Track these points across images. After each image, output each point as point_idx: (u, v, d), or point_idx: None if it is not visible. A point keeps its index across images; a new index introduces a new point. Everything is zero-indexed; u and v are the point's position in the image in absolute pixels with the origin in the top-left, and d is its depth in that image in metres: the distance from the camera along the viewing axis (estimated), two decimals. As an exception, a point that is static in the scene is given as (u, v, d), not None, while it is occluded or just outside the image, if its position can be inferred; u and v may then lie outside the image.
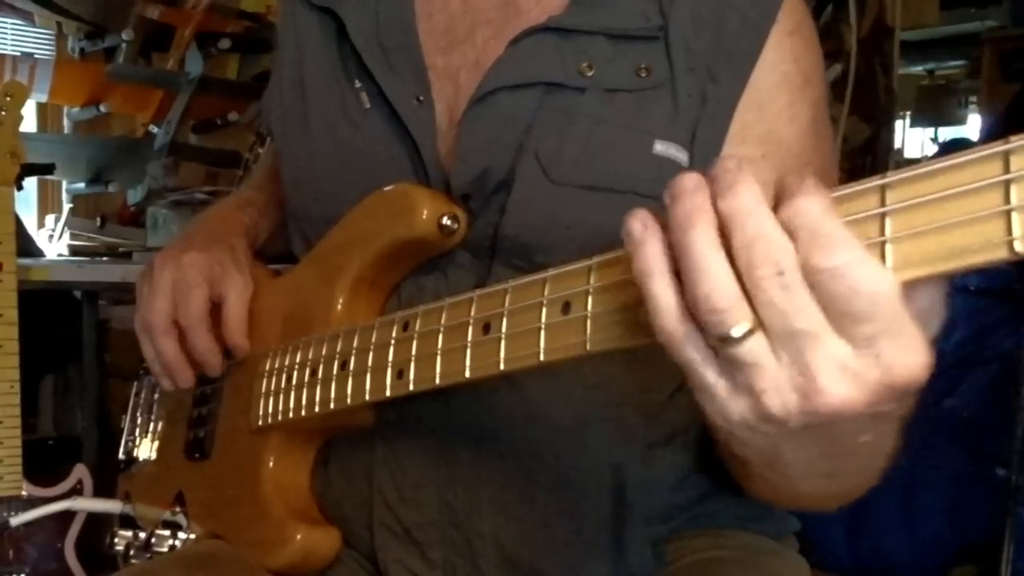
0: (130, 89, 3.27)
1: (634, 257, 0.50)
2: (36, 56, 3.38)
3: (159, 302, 0.94)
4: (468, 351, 0.68)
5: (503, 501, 0.84)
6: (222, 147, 3.09)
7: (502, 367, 0.65)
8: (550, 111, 0.83)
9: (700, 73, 0.83)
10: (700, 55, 0.83)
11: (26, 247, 2.43)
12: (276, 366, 0.90)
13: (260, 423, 0.91)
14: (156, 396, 1.14)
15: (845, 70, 2.86)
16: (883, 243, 0.45)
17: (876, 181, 0.46)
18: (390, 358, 0.76)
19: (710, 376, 0.49)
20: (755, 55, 0.83)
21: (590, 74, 0.84)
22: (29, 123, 3.45)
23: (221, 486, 0.97)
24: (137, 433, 1.15)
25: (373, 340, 0.78)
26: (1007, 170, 0.42)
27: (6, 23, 3.41)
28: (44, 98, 3.33)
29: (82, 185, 3.34)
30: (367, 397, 0.78)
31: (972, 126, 5.33)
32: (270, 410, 0.89)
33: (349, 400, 0.80)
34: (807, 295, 0.45)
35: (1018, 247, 0.42)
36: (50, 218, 3.33)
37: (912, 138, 5.55)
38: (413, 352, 0.74)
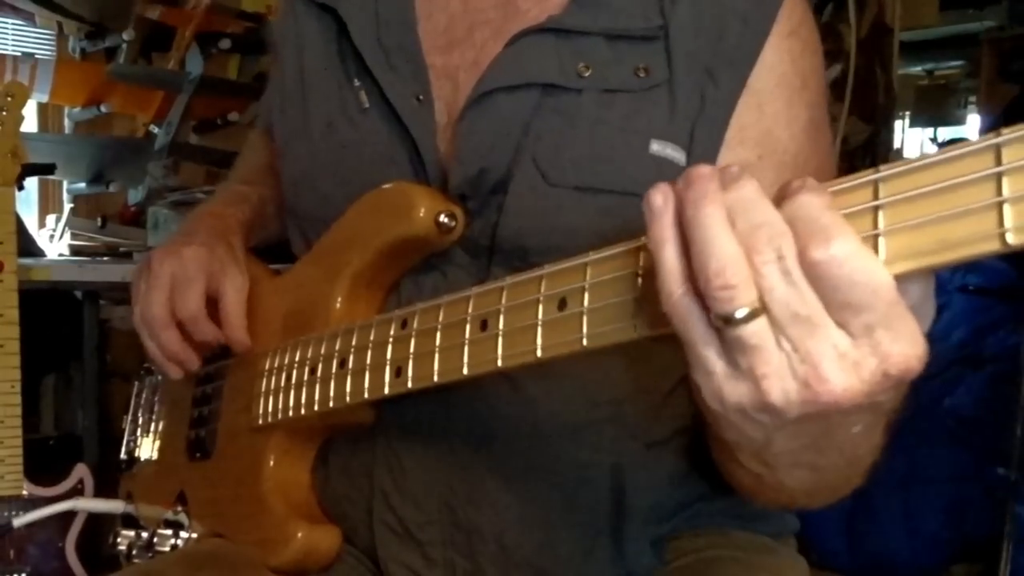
0: (131, 89, 3.27)
1: (651, 226, 0.51)
2: (37, 56, 3.38)
3: (158, 295, 0.94)
4: (466, 348, 0.68)
5: (503, 500, 0.84)
6: (223, 147, 3.09)
7: (500, 364, 0.65)
8: (547, 112, 0.83)
9: (699, 74, 0.83)
10: (700, 56, 0.83)
11: (27, 247, 2.43)
12: (276, 365, 0.90)
13: (260, 422, 0.91)
14: (157, 396, 1.14)
15: (845, 70, 2.86)
16: (876, 236, 0.46)
17: (869, 175, 0.47)
18: (388, 356, 0.76)
19: (711, 355, 0.50)
20: (754, 56, 0.83)
21: (587, 75, 0.83)
22: (30, 123, 3.45)
23: (222, 485, 0.97)
24: (139, 433, 1.15)
25: (371, 338, 0.79)
26: (999, 163, 0.42)
27: (7, 23, 3.41)
28: (45, 98, 3.33)
29: (83, 185, 3.34)
30: (366, 395, 0.78)
31: (971, 126, 5.33)
32: (270, 409, 0.90)
33: (348, 398, 0.80)
34: (806, 283, 0.46)
35: (1010, 239, 0.42)
36: (51, 218, 3.32)
37: (911, 138, 5.55)
38: (411, 350, 0.74)
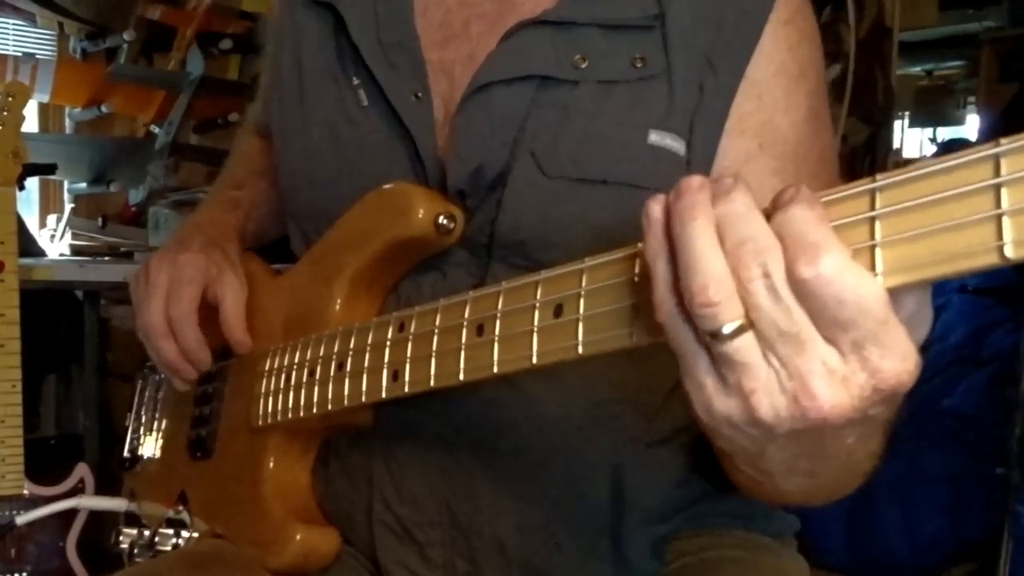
0: (131, 89, 3.28)
1: (646, 238, 0.51)
2: (38, 57, 3.38)
3: (155, 303, 0.94)
4: (462, 353, 0.68)
5: (503, 500, 0.84)
6: (223, 147, 3.09)
7: (496, 370, 0.65)
8: (544, 105, 0.83)
9: (698, 63, 0.82)
10: (697, 45, 0.83)
11: (28, 247, 2.44)
12: (275, 366, 0.90)
13: (260, 423, 0.91)
14: (160, 394, 1.14)
15: (844, 70, 2.86)
16: (873, 247, 0.45)
17: (866, 185, 0.46)
18: (386, 359, 0.76)
19: (701, 369, 0.50)
20: (753, 45, 0.83)
21: (583, 66, 0.83)
22: (31, 123, 3.46)
23: (222, 485, 0.97)
24: (141, 431, 1.15)
25: (369, 341, 0.79)
26: (997, 173, 0.42)
27: (8, 24, 3.42)
28: (46, 98, 3.34)
29: (84, 185, 3.35)
30: (364, 399, 0.78)
31: (970, 126, 5.32)
32: (269, 410, 0.90)
33: (346, 401, 0.80)
34: (794, 300, 0.46)
35: (1008, 252, 0.41)
36: (52, 218, 3.33)
37: (911, 138, 5.54)
38: (408, 354, 0.74)
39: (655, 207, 0.50)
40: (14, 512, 1.76)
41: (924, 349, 0.48)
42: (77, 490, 1.89)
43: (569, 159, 0.81)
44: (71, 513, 1.83)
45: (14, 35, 3.44)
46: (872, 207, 0.46)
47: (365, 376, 0.78)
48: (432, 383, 0.71)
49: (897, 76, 3.11)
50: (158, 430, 1.13)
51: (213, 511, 0.98)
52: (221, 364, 1.00)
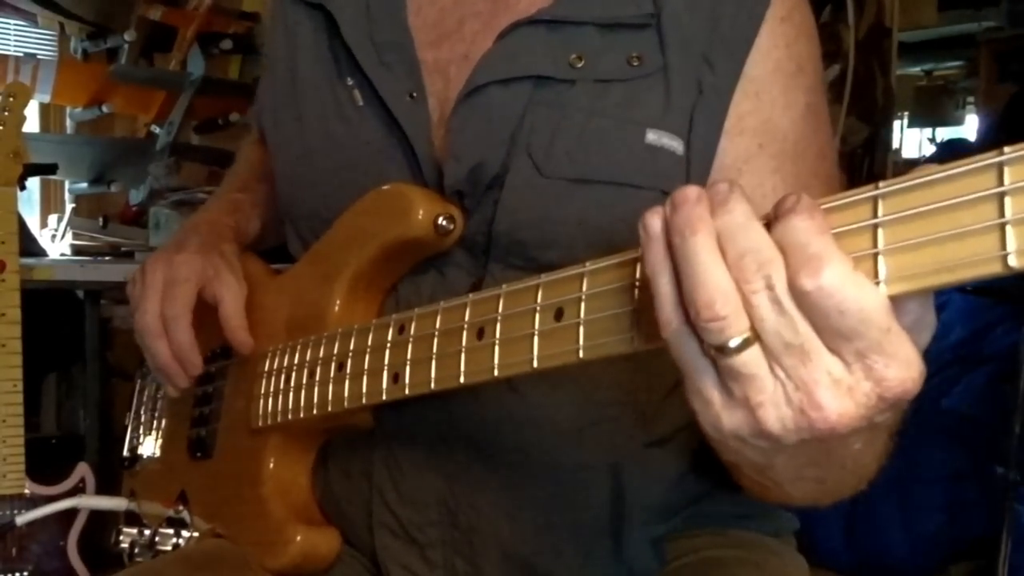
0: (132, 90, 3.28)
1: (646, 253, 0.50)
2: (39, 57, 3.39)
3: (151, 304, 0.93)
4: (462, 356, 0.68)
5: (503, 501, 0.84)
6: (224, 147, 3.09)
7: (496, 373, 0.65)
8: (541, 105, 0.83)
9: (695, 61, 0.82)
10: (694, 43, 0.82)
11: (29, 247, 2.44)
12: (275, 367, 0.90)
13: (260, 423, 0.91)
14: (159, 393, 1.13)
15: (843, 70, 2.86)
16: (875, 255, 0.45)
17: (868, 192, 0.46)
18: (386, 361, 0.76)
19: (708, 384, 0.50)
20: (750, 41, 0.82)
21: (580, 66, 0.83)
22: (32, 123, 3.46)
23: (222, 485, 0.97)
24: (141, 431, 1.15)
25: (369, 343, 0.78)
26: (1001, 182, 0.41)
27: (9, 24, 3.42)
28: (47, 98, 3.34)
29: (85, 185, 3.35)
30: (364, 400, 0.78)
31: (969, 126, 5.31)
32: (269, 410, 0.89)
33: (347, 403, 0.80)
34: (797, 311, 0.46)
35: (1012, 262, 0.41)
36: (53, 218, 3.34)
37: (910, 138, 5.53)
38: (408, 356, 0.74)
39: (654, 221, 0.50)
40: (15, 512, 1.76)
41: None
42: (78, 489, 1.90)
43: (566, 159, 0.81)
44: (72, 513, 1.83)
45: (15, 35, 3.45)
46: (874, 214, 0.45)
47: (365, 378, 0.78)
48: (432, 386, 0.71)
49: (896, 76, 3.12)
50: (158, 429, 1.13)
51: (213, 511, 0.98)
52: (221, 364, 1.00)
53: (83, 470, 1.92)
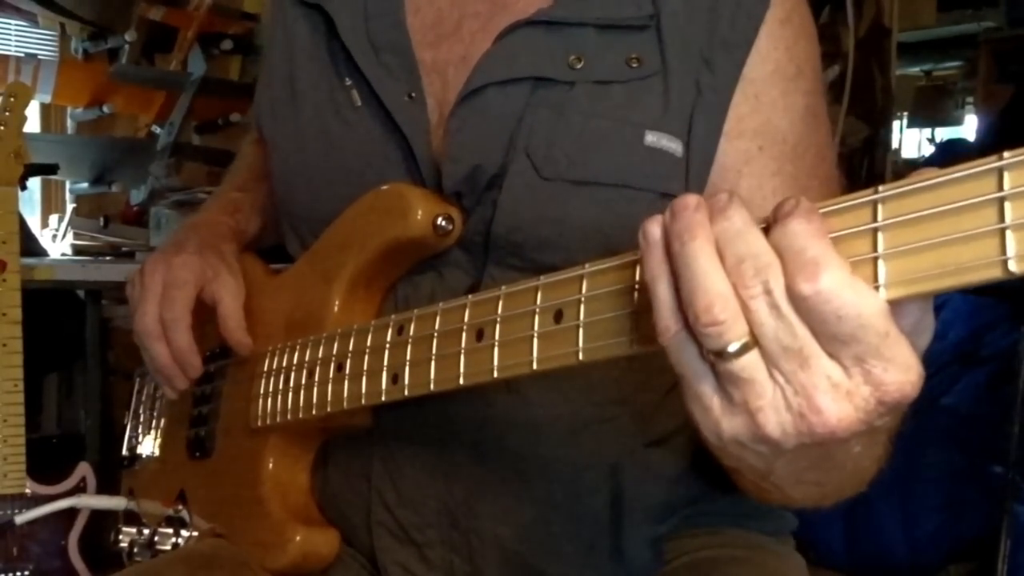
0: (133, 90, 3.28)
1: (645, 260, 0.50)
2: (40, 57, 3.39)
3: (150, 306, 0.93)
4: (462, 358, 0.68)
5: (501, 501, 0.84)
6: (224, 147, 3.09)
7: (496, 374, 0.65)
8: (540, 106, 0.83)
9: (694, 62, 0.82)
10: (693, 44, 0.82)
11: (30, 247, 2.45)
12: (274, 367, 0.90)
13: (259, 423, 0.91)
14: (158, 393, 1.13)
15: (843, 71, 2.86)
16: (875, 259, 0.45)
17: (868, 196, 0.46)
18: (385, 362, 0.76)
19: (707, 390, 0.50)
20: (750, 43, 0.82)
21: (579, 67, 0.83)
22: (33, 124, 3.46)
23: (222, 485, 0.97)
24: (140, 430, 1.15)
25: (368, 343, 0.78)
26: (1001, 187, 0.41)
27: (10, 24, 3.42)
28: (48, 99, 3.35)
29: (85, 185, 3.35)
30: (363, 401, 0.78)
31: (969, 127, 5.29)
32: (268, 411, 0.89)
33: (346, 403, 0.80)
34: (795, 316, 0.46)
35: (1012, 267, 0.41)
36: (54, 218, 3.35)
37: (909, 138, 5.52)
38: (408, 357, 0.74)
39: (654, 229, 0.50)
40: (15, 511, 1.76)
41: (922, 348, 0.48)
42: (79, 489, 1.89)
43: (565, 160, 0.81)
44: (73, 512, 1.83)
45: (16, 36, 3.45)
46: (874, 218, 0.45)
47: (364, 378, 0.78)
48: (432, 387, 0.71)
49: (896, 76, 3.12)
50: (157, 429, 1.13)
51: (212, 511, 0.98)
52: (220, 363, 1.00)
53: (84, 470, 1.92)
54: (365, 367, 0.78)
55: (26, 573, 1.83)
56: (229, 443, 0.98)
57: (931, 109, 5.26)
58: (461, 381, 0.68)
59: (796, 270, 0.45)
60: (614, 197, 0.81)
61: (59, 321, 2.72)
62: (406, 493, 0.87)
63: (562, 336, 0.60)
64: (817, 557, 2.31)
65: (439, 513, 0.86)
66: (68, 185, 3.54)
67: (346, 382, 0.80)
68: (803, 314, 0.45)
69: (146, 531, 1.05)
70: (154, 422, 1.14)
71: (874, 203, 0.45)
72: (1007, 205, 0.41)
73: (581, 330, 0.58)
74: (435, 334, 0.71)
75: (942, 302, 2.45)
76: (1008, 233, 0.41)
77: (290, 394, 0.87)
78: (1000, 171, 0.42)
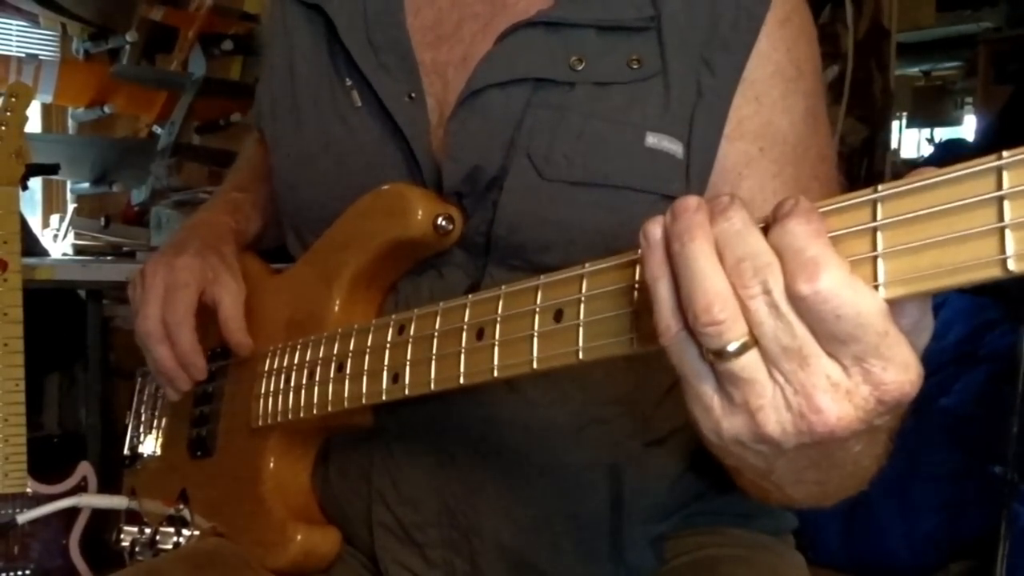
0: (134, 90, 3.29)
1: (645, 260, 0.50)
2: (41, 57, 3.39)
3: (151, 308, 0.93)
4: (462, 357, 0.68)
5: (501, 501, 0.84)
6: (225, 147, 3.09)
7: (496, 374, 0.65)
8: (540, 107, 0.83)
9: (694, 63, 0.82)
10: (694, 45, 0.82)
11: (31, 247, 2.45)
12: (274, 367, 0.90)
13: (259, 423, 0.91)
14: (160, 392, 1.13)
15: (842, 71, 2.86)
16: (875, 258, 0.45)
17: (867, 195, 0.46)
18: (386, 362, 0.76)
19: (708, 390, 0.50)
20: (750, 44, 0.82)
21: (580, 68, 0.83)
22: (34, 124, 3.46)
23: (222, 485, 0.97)
24: (141, 429, 1.15)
25: (369, 343, 0.79)
26: (1000, 186, 0.41)
27: (11, 24, 3.43)
28: (49, 99, 3.35)
29: (86, 185, 3.35)
30: (364, 401, 0.78)
31: (968, 127, 5.29)
32: (269, 410, 0.90)
33: (347, 403, 0.80)
34: (795, 315, 0.46)
35: (1011, 266, 0.41)
36: (55, 218, 3.35)
37: (908, 138, 5.52)
38: (408, 356, 0.74)
39: (655, 229, 0.50)
40: (17, 510, 1.77)
41: (921, 348, 0.48)
42: (80, 488, 1.90)
43: (566, 161, 0.81)
44: (74, 511, 1.84)
45: (17, 36, 3.45)
46: (874, 218, 0.45)
47: (365, 378, 0.78)
48: (432, 386, 0.71)
49: (895, 77, 3.12)
50: (158, 428, 1.13)
51: (214, 510, 0.98)
52: (221, 363, 1.00)
53: (85, 469, 1.92)
54: (366, 367, 0.78)
55: (27, 572, 1.83)
56: (230, 442, 0.98)
57: (930, 109, 5.26)
58: (461, 381, 0.68)
59: (795, 270, 0.45)
60: (615, 198, 0.81)
61: (60, 321, 2.73)
62: (406, 492, 0.87)
63: (562, 335, 0.60)
64: (817, 556, 2.31)
65: (439, 512, 0.86)
66: (69, 185, 3.55)
67: (347, 382, 0.80)
68: (802, 314, 0.45)
69: (147, 530, 1.05)
70: (155, 421, 1.13)
71: (873, 202, 0.46)
72: (1006, 204, 0.41)
73: (581, 329, 0.59)
74: (435, 334, 0.71)
75: (941, 302, 2.45)
76: (1007, 232, 0.41)
77: (291, 394, 0.87)
78: (999, 170, 0.42)
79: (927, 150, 5.26)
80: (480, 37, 0.88)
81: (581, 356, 0.59)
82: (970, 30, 4.17)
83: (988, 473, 2.17)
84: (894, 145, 4.45)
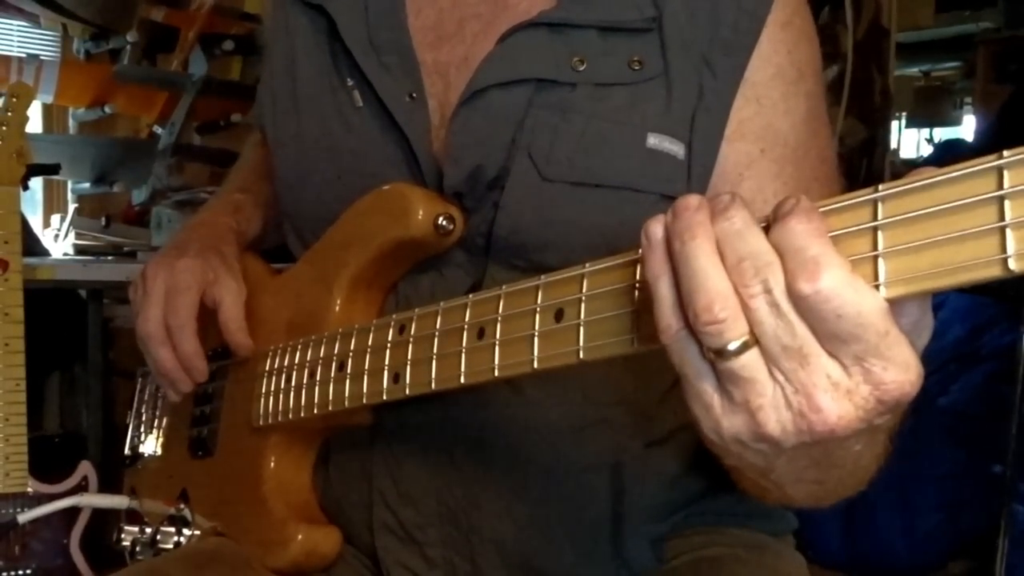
0: (135, 90, 3.28)
1: (646, 259, 0.50)
2: (42, 57, 3.38)
3: (153, 310, 0.93)
4: (463, 356, 0.68)
5: (502, 501, 0.84)
6: (225, 147, 3.09)
7: (496, 374, 0.65)
8: (542, 108, 0.83)
9: (696, 64, 0.82)
10: (695, 46, 0.82)
11: (32, 246, 2.45)
12: (275, 366, 0.90)
13: (260, 423, 0.91)
14: (160, 392, 1.13)
15: (842, 71, 2.86)
16: (875, 258, 0.45)
17: (868, 195, 0.46)
18: (386, 362, 0.76)
19: (708, 389, 0.50)
20: (752, 46, 0.82)
21: (581, 69, 0.83)
22: (35, 124, 3.46)
23: (223, 484, 0.97)
24: (142, 429, 1.15)
25: (370, 343, 0.79)
26: (1000, 186, 0.42)
27: (12, 25, 3.43)
28: (50, 99, 3.34)
29: (87, 185, 3.35)
30: (364, 400, 0.79)
31: (967, 127, 5.30)
32: (270, 410, 0.90)
33: (347, 403, 0.80)
34: (795, 315, 0.46)
35: (1012, 265, 0.41)
36: (55, 218, 3.35)
37: (908, 139, 5.54)
38: (409, 356, 0.74)
39: (656, 228, 0.50)
40: (17, 509, 1.77)
41: (920, 347, 0.48)
42: (81, 488, 1.90)
43: (567, 162, 0.81)
44: (75, 510, 1.84)
45: (18, 36, 3.45)
46: (874, 217, 0.46)
47: (366, 378, 0.78)
48: (433, 386, 0.71)
49: (894, 77, 3.12)
50: (159, 428, 1.13)
51: (214, 510, 0.98)
52: (221, 363, 1.00)
53: (85, 468, 1.92)
54: (366, 366, 0.79)
55: (28, 572, 1.84)
56: (231, 442, 0.98)
57: (929, 109, 5.27)
58: (462, 380, 0.68)
59: (796, 269, 0.45)
60: (616, 199, 0.81)
61: (61, 321, 2.73)
62: (407, 492, 0.87)
63: (563, 335, 0.60)
64: (816, 556, 2.31)
65: (440, 512, 0.86)
66: (70, 185, 3.54)
67: (347, 381, 0.80)
68: (803, 313, 0.46)
69: (148, 530, 1.05)
70: (156, 421, 1.14)
71: (874, 202, 0.46)
72: (1007, 204, 0.41)
73: (582, 329, 0.59)
74: (436, 333, 0.71)
75: (940, 301, 2.45)
76: (1008, 231, 0.41)
77: (292, 393, 0.87)
78: (1000, 170, 0.42)
79: (926, 150, 5.28)
80: (482, 37, 0.88)
81: (582, 356, 0.59)
82: (969, 30, 4.18)
83: (987, 472, 2.17)
84: (893, 145, 4.46)
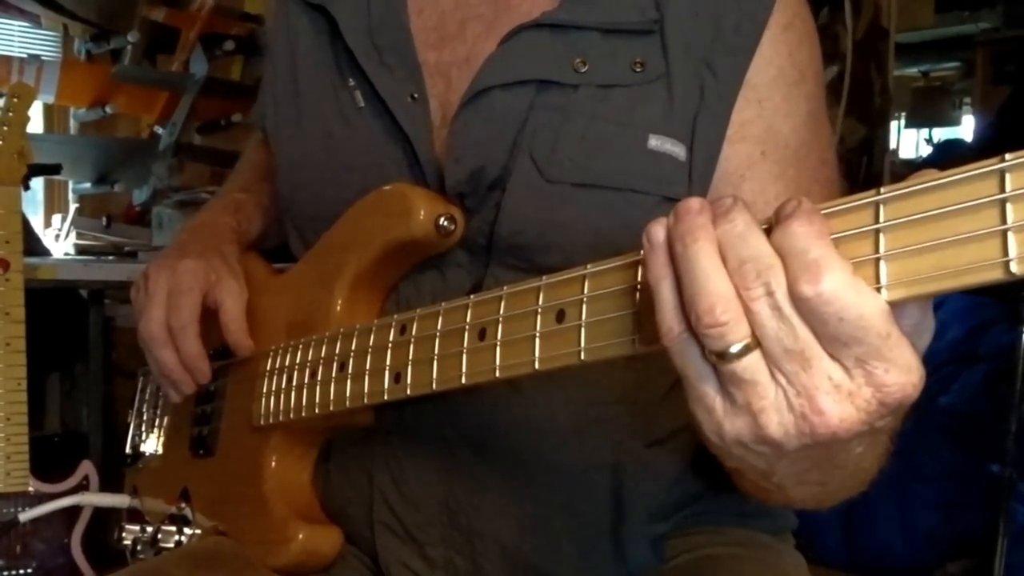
0: (136, 90, 3.28)
1: (648, 261, 0.50)
2: (43, 58, 3.38)
3: (155, 312, 0.93)
4: (464, 357, 0.68)
5: (503, 500, 0.84)
6: (226, 147, 3.10)
7: (498, 374, 0.65)
8: (544, 109, 0.83)
9: (697, 66, 0.82)
10: (697, 48, 0.82)
11: (33, 246, 2.45)
12: (276, 366, 0.90)
13: (261, 422, 0.91)
14: (161, 391, 1.13)
15: (841, 72, 2.86)
16: (877, 260, 0.45)
17: (870, 197, 0.46)
18: (387, 362, 0.76)
19: (710, 391, 0.50)
20: (753, 48, 0.83)
21: (583, 70, 0.83)
22: (36, 124, 3.46)
23: (224, 484, 0.97)
24: (143, 428, 1.15)
25: (371, 343, 0.79)
26: (1003, 189, 0.41)
27: (13, 25, 3.43)
28: (51, 99, 3.34)
29: (88, 185, 3.35)
30: (365, 400, 0.79)
31: (966, 127, 5.29)
32: (271, 409, 0.90)
33: (348, 402, 0.80)
34: (797, 317, 0.46)
35: (1014, 268, 0.41)
36: (57, 218, 3.35)
37: (907, 139, 5.53)
38: (410, 356, 0.74)
39: (658, 231, 0.50)
40: (19, 509, 1.77)
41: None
42: (82, 487, 1.90)
43: (568, 163, 0.81)
44: (76, 510, 1.84)
45: (19, 37, 3.46)
46: (876, 219, 0.46)
47: (367, 378, 0.78)
48: (434, 386, 0.71)
49: (893, 77, 3.12)
50: (160, 427, 1.13)
51: (215, 509, 0.98)
52: (223, 362, 1.00)
53: (86, 468, 1.92)
54: (368, 366, 0.79)
55: (29, 571, 1.83)
56: (232, 441, 0.98)
57: (929, 110, 5.27)
58: (463, 381, 0.68)
59: (798, 271, 0.45)
60: (617, 200, 0.81)
61: (62, 320, 2.73)
62: (408, 492, 0.87)
63: (564, 336, 0.60)
64: (816, 555, 2.30)
65: (440, 512, 0.86)
66: (71, 185, 3.54)
67: (348, 381, 0.80)
68: (805, 315, 0.46)
69: (149, 529, 1.05)
70: (157, 420, 1.14)
71: (876, 204, 0.46)
72: (1009, 207, 0.41)
73: (583, 330, 0.59)
74: (437, 334, 0.71)
75: (939, 301, 2.42)
76: (1010, 235, 0.41)
77: (293, 393, 0.87)
78: (1002, 173, 0.42)
79: (925, 150, 5.27)
80: (484, 38, 0.88)
81: (583, 357, 0.59)
82: (968, 31, 4.18)
83: (986, 472, 2.17)
84: (893, 145, 4.46)
